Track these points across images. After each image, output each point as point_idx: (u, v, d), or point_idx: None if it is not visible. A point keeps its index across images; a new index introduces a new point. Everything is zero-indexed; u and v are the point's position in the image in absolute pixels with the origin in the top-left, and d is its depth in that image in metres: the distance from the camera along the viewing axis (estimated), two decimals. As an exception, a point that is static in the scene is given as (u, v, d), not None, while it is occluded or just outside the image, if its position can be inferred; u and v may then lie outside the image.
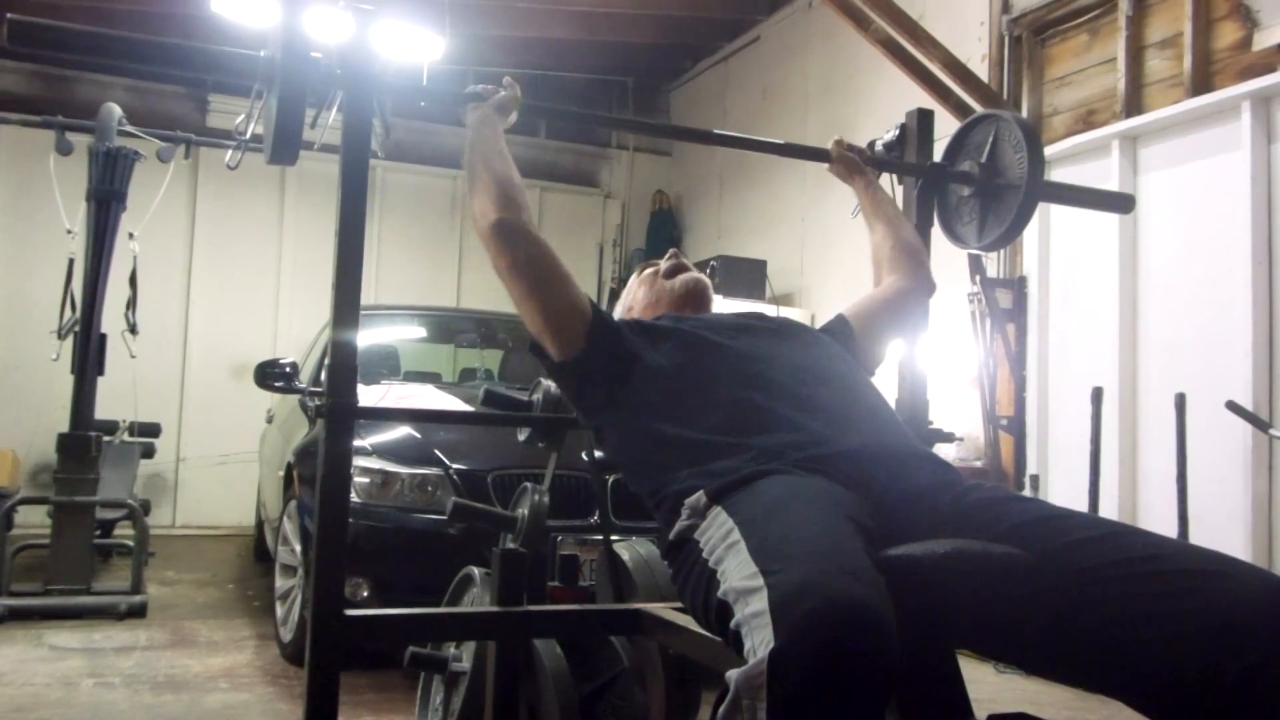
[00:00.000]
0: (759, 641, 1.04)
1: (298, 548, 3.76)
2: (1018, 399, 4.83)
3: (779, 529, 1.21)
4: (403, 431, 3.67)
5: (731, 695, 1.04)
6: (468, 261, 8.16)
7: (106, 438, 5.05)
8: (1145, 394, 4.28)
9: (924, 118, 2.29)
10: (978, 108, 5.04)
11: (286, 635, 3.78)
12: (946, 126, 2.42)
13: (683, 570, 1.45)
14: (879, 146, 2.34)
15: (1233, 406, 3.56)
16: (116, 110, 4.84)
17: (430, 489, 3.46)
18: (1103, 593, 1.22)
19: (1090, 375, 4.23)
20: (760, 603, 1.07)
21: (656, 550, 2.28)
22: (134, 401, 5.56)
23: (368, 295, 6.86)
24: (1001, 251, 5.01)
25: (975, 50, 5.19)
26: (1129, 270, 4.36)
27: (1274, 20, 3.90)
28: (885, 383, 1.88)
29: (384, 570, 3.40)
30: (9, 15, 1.57)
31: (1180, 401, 3.65)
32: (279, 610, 3.91)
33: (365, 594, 3.36)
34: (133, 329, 5.00)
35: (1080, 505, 3.58)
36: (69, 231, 4.90)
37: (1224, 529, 3.79)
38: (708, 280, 2.05)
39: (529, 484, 2.19)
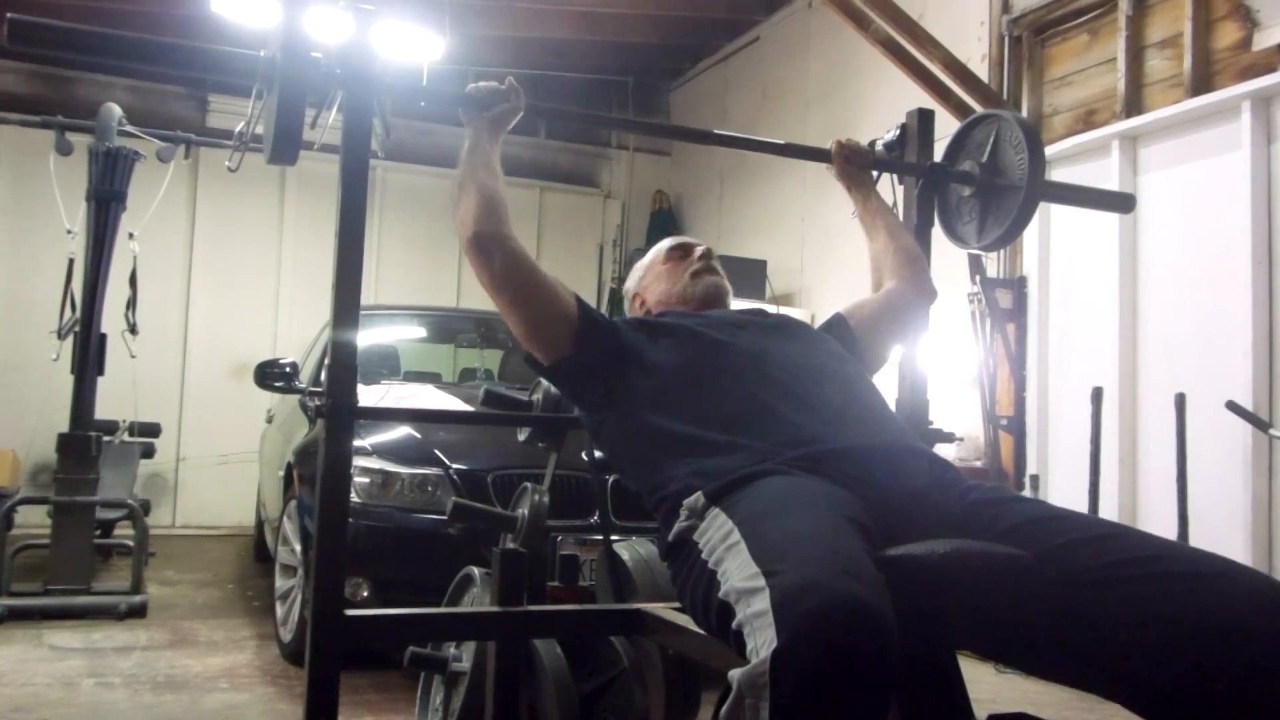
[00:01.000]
0: (762, 641, 1.04)
1: (298, 548, 3.76)
2: (1018, 399, 4.83)
3: (779, 529, 1.21)
4: (403, 431, 3.67)
5: (734, 695, 1.04)
6: (467, 261, 8.14)
7: (106, 438, 5.05)
8: (1145, 394, 4.28)
9: (924, 118, 2.29)
10: (978, 108, 5.03)
11: (286, 635, 3.78)
12: (947, 126, 2.42)
13: (682, 571, 1.45)
14: (879, 146, 2.34)
15: (1233, 406, 3.56)
16: (116, 110, 4.83)
17: (430, 489, 3.46)
18: (1100, 594, 1.22)
19: (1090, 375, 4.23)
20: (763, 602, 1.07)
21: (656, 550, 2.28)
22: (134, 401, 5.56)
23: (368, 295, 6.86)
24: (1001, 251, 5.01)
25: (975, 50, 5.19)
26: (1129, 270, 4.36)
27: (1274, 20, 3.90)
28: (885, 383, 1.88)
29: (384, 570, 3.39)
30: (9, 15, 1.57)
31: (1180, 401, 3.65)
32: (279, 610, 3.91)
33: (365, 594, 3.36)
34: (133, 329, 5.00)
35: (1080, 505, 3.58)
36: (69, 231, 4.90)
37: (1224, 529, 3.79)
38: (729, 287, 2.03)
39: (529, 484, 2.19)
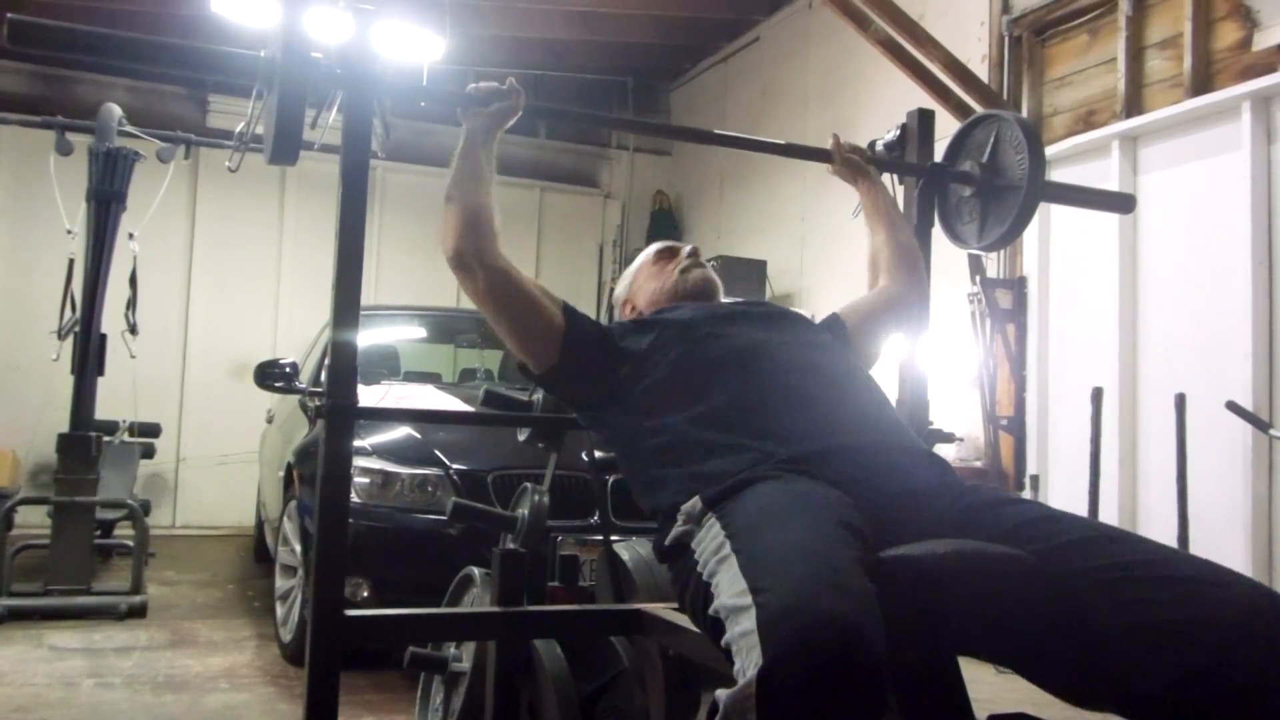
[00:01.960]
0: (748, 662, 1.04)
1: (298, 548, 3.76)
2: (1018, 399, 4.83)
3: (768, 542, 1.21)
4: (403, 431, 3.67)
5: (721, 716, 1.04)
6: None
7: (106, 438, 5.05)
8: (1145, 394, 4.28)
9: (924, 118, 2.29)
10: (978, 108, 5.03)
11: (286, 635, 3.78)
12: (946, 127, 2.42)
13: (680, 578, 1.46)
14: (879, 146, 2.34)
15: (1233, 406, 3.56)
16: (116, 110, 4.83)
17: (430, 489, 3.46)
18: (1094, 598, 1.22)
19: (1090, 375, 4.23)
20: (749, 622, 1.07)
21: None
22: (134, 401, 5.56)
23: (368, 295, 6.86)
24: (1001, 252, 5.01)
25: (975, 50, 5.19)
26: (1129, 270, 4.36)
27: (1274, 20, 3.90)
28: (885, 383, 1.88)
29: (384, 570, 3.39)
30: (9, 15, 1.57)
31: (1180, 401, 3.65)
32: (279, 610, 3.91)
33: (365, 594, 3.36)
34: (133, 329, 5.00)
35: (1080, 506, 3.59)
36: (69, 231, 4.89)
37: (1224, 529, 3.79)
38: (719, 282, 2.03)
39: (529, 484, 2.19)
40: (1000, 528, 1.34)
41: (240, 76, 1.70)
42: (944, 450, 4.11)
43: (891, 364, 2.14)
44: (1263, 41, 3.92)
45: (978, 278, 4.77)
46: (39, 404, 6.17)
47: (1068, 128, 4.78)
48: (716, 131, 2.30)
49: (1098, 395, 3.88)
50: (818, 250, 6.59)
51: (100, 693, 3.25)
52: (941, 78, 4.97)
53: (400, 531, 3.40)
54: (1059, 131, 4.80)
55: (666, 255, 2.03)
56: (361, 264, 1.72)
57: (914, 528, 1.34)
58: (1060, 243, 4.74)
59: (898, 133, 2.31)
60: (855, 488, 1.39)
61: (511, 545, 2.07)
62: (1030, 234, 4.82)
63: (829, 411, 1.56)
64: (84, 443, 4.50)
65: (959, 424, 4.83)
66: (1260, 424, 3.61)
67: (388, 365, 5.01)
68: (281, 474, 4.23)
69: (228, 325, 7.53)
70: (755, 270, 6.63)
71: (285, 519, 3.99)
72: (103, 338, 4.71)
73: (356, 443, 2.32)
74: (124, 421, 5.87)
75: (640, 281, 2.02)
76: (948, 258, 2.73)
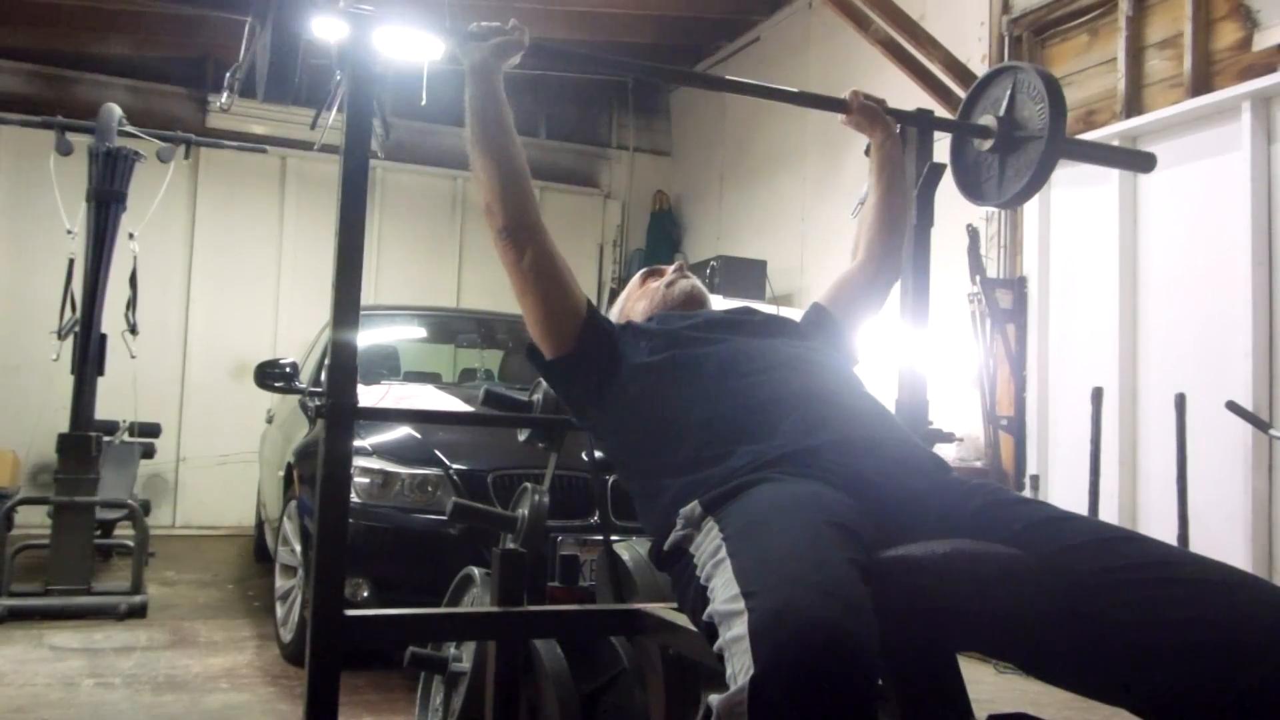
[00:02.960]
0: (739, 668, 1.05)
1: (298, 548, 3.76)
2: (1018, 399, 4.83)
3: (762, 546, 1.21)
4: (403, 431, 3.67)
5: None
6: (468, 261, 8.16)
7: (106, 438, 5.05)
8: (1145, 394, 4.28)
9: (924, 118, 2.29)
10: (978, 108, 5.03)
11: (286, 635, 3.78)
12: (946, 127, 2.41)
13: (680, 582, 1.46)
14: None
15: (1233, 406, 3.56)
16: (116, 110, 4.83)
17: (430, 489, 3.46)
18: (1111, 597, 1.22)
19: (1090, 375, 4.23)
20: (741, 627, 1.07)
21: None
22: (134, 401, 5.56)
23: (368, 295, 6.86)
24: (1001, 251, 5.01)
25: (975, 50, 5.18)
26: (1129, 270, 4.36)
27: (1274, 20, 3.90)
28: (885, 382, 1.88)
29: (384, 570, 3.40)
30: None
31: (1180, 401, 3.65)
32: (279, 610, 3.91)
33: (365, 594, 3.36)
34: (133, 329, 5.00)
35: (1080, 505, 3.59)
36: (69, 231, 4.89)
37: (1224, 529, 3.79)
38: (707, 292, 2.07)
39: (529, 484, 2.18)
40: (1010, 529, 1.33)
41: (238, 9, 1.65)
42: (944, 450, 4.11)
43: (891, 364, 2.14)
44: (1263, 41, 3.92)
45: (978, 277, 4.77)
46: (39, 404, 6.18)
47: (1068, 128, 4.77)
48: (730, 79, 2.31)
49: (1098, 395, 3.88)
50: (818, 250, 6.58)
51: (100, 693, 3.25)
52: (941, 78, 4.97)
53: (400, 531, 3.40)
54: (1059, 131, 4.79)
55: (653, 275, 2.09)
56: (361, 264, 1.72)
57: (918, 528, 1.33)
58: (1060, 243, 4.74)
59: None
60: (858, 489, 1.38)
61: (511, 545, 2.07)
62: (1030, 234, 4.82)
63: (827, 412, 1.56)
64: (84, 443, 4.50)
65: (959, 424, 4.83)
66: (1260, 424, 3.61)
67: (388, 365, 5.01)
68: (281, 474, 4.23)
69: (228, 325, 7.53)
70: (755, 270, 6.63)
71: (285, 519, 3.99)
72: (103, 338, 4.71)
73: (356, 443, 2.32)
74: (124, 421, 5.87)
75: (630, 303, 2.06)
76: (948, 258, 2.73)
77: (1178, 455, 3.61)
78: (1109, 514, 4.11)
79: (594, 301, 1.90)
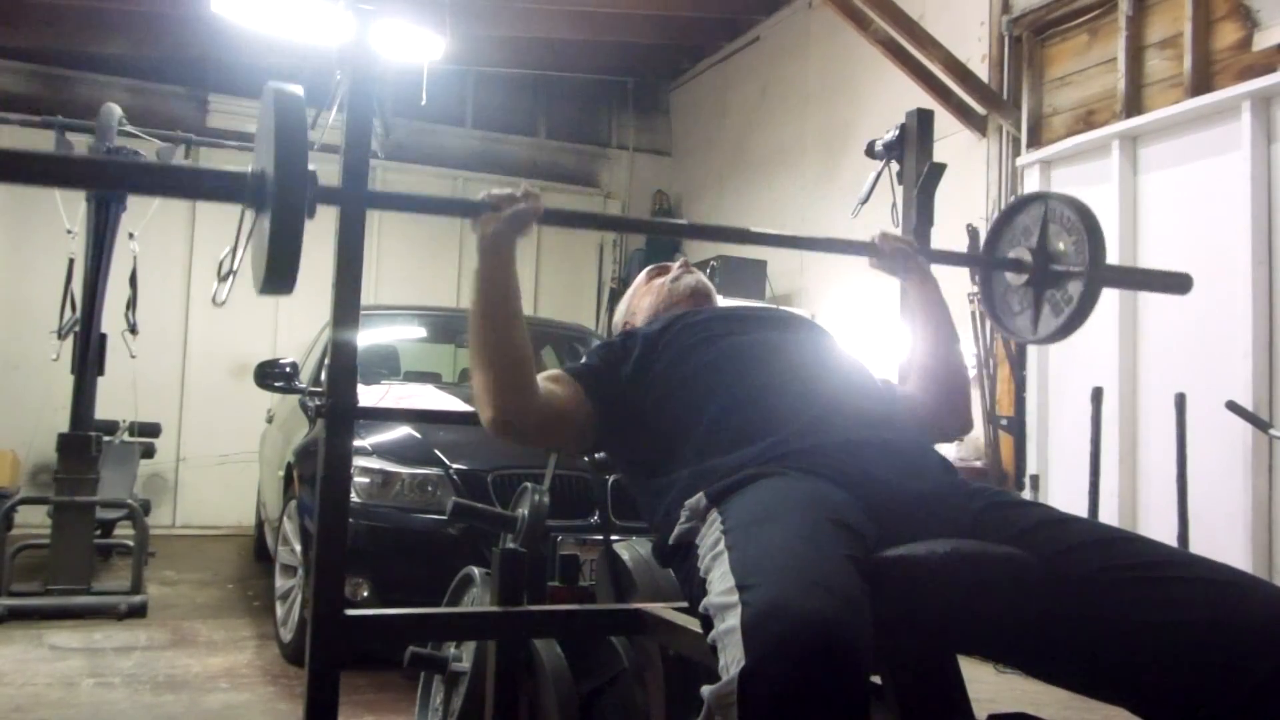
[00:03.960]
0: (731, 660, 1.05)
1: (298, 548, 3.76)
2: (1018, 399, 4.83)
3: (760, 539, 1.21)
4: (403, 431, 3.67)
5: (705, 711, 1.05)
6: (468, 261, 8.10)
7: (106, 438, 5.05)
8: (1145, 394, 4.28)
9: (924, 118, 2.29)
10: (978, 108, 5.04)
11: (286, 635, 3.78)
12: (947, 127, 2.42)
13: (684, 575, 1.46)
14: (879, 147, 2.34)
15: (1233, 406, 3.56)
16: (116, 110, 4.83)
17: (430, 489, 3.46)
18: (1111, 598, 1.22)
19: (1090, 375, 4.22)
20: (734, 619, 1.07)
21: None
22: (134, 401, 5.57)
23: (368, 295, 6.85)
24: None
25: (975, 50, 5.18)
26: (1129, 270, 4.36)
27: (1274, 20, 3.90)
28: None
29: (384, 570, 3.39)
30: None
31: (1180, 401, 3.64)
32: (279, 610, 3.91)
33: (365, 594, 3.36)
34: (133, 329, 5.00)
35: (1080, 506, 3.59)
36: (69, 231, 4.90)
37: (1224, 529, 3.79)
38: (712, 287, 2.06)
39: (529, 484, 2.19)
40: (1013, 530, 1.33)
41: (226, 197, 1.60)
42: (944, 450, 4.10)
43: (891, 364, 2.13)
44: (1263, 41, 3.92)
45: (978, 277, 4.77)
46: (39, 404, 6.18)
47: (1068, 128, 4.78)
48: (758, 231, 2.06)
49: (1098, 395, 3.88)
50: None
51: (100, 692, 3.25)
52: (941, 77, 4.97)
53: (400, 531, 3.40)
54: (1059, 131, 4.80)
55: (657, 273, 2.08)
56: (361, 264, 1.72)
57: (921, 529, 1.33)
58: (1060, 243, 4.74)
59: (896, 133, 2.31)
60: (862, 488, 1.38)
61: (511, 545, 2.07)
62: (1030, 234, 4.81)
63: (835, 408, 1.56)
64: (84, 443, 4.50)
65: (959, 424, 4.82)
66: (1260, 424, 3.61)
67: (388, 365, 5.01)
68: (281, 474, 4.23)
69: (228, 325, 7.51)
70: (755, 270, 6.63)
71: (285, 519, 3.99)
72: (103, 338, 4.71)
73: (356, 442, 2.32)
74: (124, 421, 5.88)
75: (636, 302, 2.06)
76: (948, 258, 2.71)
77: (1178, 455, 3.61)
78: (1109, 514, 4.11)
79: (594, 301, 1.89)
